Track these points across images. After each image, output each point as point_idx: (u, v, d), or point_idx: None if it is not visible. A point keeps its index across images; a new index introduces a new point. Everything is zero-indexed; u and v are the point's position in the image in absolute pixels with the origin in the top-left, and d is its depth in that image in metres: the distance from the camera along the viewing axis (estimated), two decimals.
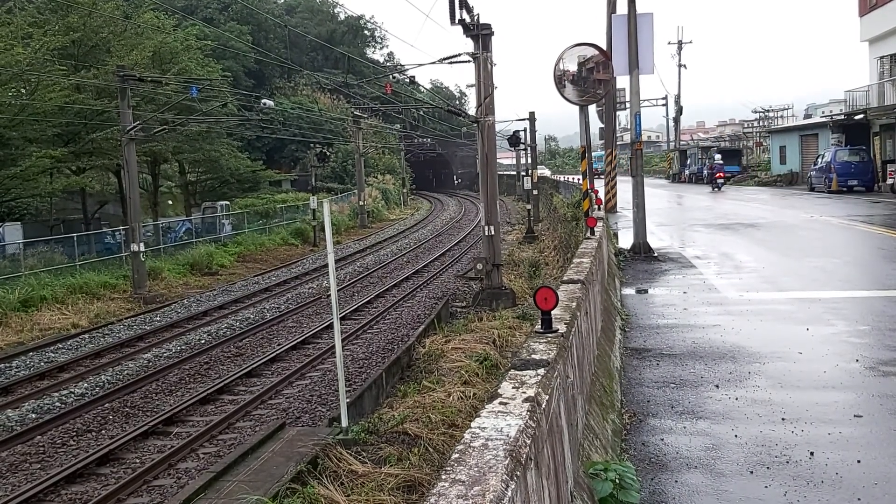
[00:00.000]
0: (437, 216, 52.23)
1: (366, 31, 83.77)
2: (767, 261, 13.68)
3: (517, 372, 3.66)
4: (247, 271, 27.44)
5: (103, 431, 10.92)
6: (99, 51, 28.23)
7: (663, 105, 62.46)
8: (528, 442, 2.82)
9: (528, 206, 34.74)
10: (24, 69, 22.80)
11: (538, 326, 4.62)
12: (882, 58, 33.08)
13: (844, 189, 30.63)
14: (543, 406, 3.28)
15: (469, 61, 17.69)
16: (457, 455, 2.60)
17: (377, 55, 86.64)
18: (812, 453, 5.04)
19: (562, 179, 43.98)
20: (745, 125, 71.25)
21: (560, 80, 14.02)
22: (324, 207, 8.76)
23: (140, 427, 10.61)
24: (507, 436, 2.76)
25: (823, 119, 41.50)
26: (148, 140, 25.76)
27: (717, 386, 6.64)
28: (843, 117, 36.22)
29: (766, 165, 50.39)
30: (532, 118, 43.54)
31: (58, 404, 12.18)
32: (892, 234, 16.24)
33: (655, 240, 16.86)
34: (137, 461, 9.64)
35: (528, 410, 3.06)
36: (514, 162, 61.24)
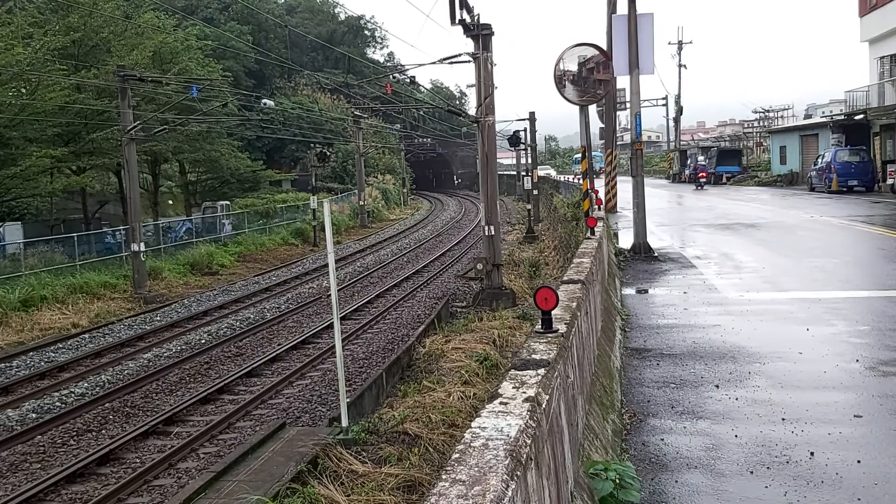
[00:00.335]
0: (438, 216, 52.24)
1: (366, 32, 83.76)
2: (768, 261, 13.68)
3: (517, 372, 3.67)
4: (247, 271, 27.45)
5: (103, 431, 10.93)
6: (99, 51, 28.25)
7: (663, 105, 62.49)
8: (529, 442, 2.82)
9: (529, 206, 34.75)
10: (25, 69, 22.81)
11: (538, 326, 4.62)
12: (882, 58, 33.07)
13: (844, 189, 30.62)
14: (544, 406, 3.28)
15: (469, 61, 17.69)
16: (457, 455, 2.60)
17: (377, 55, 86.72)
18: (812, 453, 5.04)
19: (562, 179, 44.04)
20: (746, 125, 71.28)
21: (560, 80, 14.03)
22: (324, 207, 8.77)
23: (140, 427, 10.61)
24: (508, 436, 2.76)
25: (824, 119, 41.50)
26: (148, 140, 25.77)
27: (718, 386, 6.65)
28: (843, 117, 36.22)
29: (767, 165, 50.38)
30: (532, 118, 43.54)
31: (58, 404, 12.18)
32: (893, 234, 16.24)
33: (655, 240, 16.86)
34: (138, 461, 9.64)
35: (528, 410, 3.07)
36: (515, 162, 61.30)
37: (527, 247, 28.30)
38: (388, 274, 24.82)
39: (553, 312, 4.62)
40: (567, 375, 4.27)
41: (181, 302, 20.93)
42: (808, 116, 61.58)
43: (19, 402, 12.25)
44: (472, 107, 34.38)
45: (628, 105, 19.79)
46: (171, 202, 42.98)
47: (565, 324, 4.75)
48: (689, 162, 54.19)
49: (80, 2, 25.75)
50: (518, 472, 2.54)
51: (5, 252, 23.06)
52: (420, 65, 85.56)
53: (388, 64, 78.35)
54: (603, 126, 30.60)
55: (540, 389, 3.38)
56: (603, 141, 33.40)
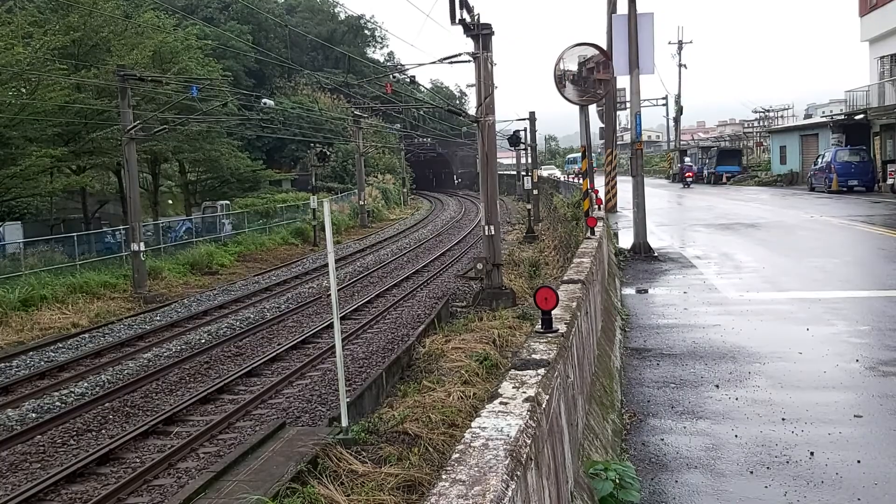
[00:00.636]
0: (438, 216, 52.24)
1: (366, 31, 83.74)
2: (768, 261, 13.68)
3: (517, 372, 3.67)
4: (247, 271, 27.45)
5: (103, 431, 10.93)
6: (99, 50, 28.24)
7: (663, 105, 62.44)
8: (529, 442, 2.82)
9: (529, 206, 34.76)
10: (25, 69, 22.80)
11: (538, 326, 4.62)
12: (882, 58, 33.07)
13: (844, 189, 30.62)
14: (544, 406, 3.28)
15: (469, 61, 17.69)
16: (457, 455, 2.60)
17: (377, 55, 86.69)
18: (812, 453, 5.04)
19: (562, 179, 44.12)
20: (746, 125, 71.26)
21: (560, 79, 14.01)
22: (324, 207, 8.76)
23: (140, 427, 10.61)
24: (508, 436, 2.76)
25: (824, 119, 41.51)
26: (148, 139, 25.77)
27: (718, 386, 6.65)
28: (843, 117, 36.22)
29: (767, 165, 50.39)
30: (532, 118, 43.54)
31: (58, 404, 12.18)
32: (893, 234, 16.24)
33: (655, 239, 16.86)
34: (137, 461, 9.64)
35: (528, 410, 3.06)
36: (515, 162, 61.29)
37: (527, 246, 28.31)
38: (388, 274, 24.82)
39: (553, 312, 4.62)
40: (567, 375, 4.27)
41: (181, 302, 20.93)
42: (808, 116, 61.59)
43: (19, 402, 12.25)
44: (472, 106, 34.39)
45: (628, 105, 19.79)
46: (170, 202, 42.97)
47: (565, 324, 4.75)
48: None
49: (80, 1, 25.74)
50: (518, 472, 2.54)
51: (5, 252, 23.06)
52: (420, 64, 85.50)
53: (388, 64, 78.36)
54: (603, 126, 30.61)
55: (540, 389, 3.38)
56: (603, 141, 33.41)
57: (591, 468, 4.19)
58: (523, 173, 45.26)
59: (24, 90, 25.08)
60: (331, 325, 13.61)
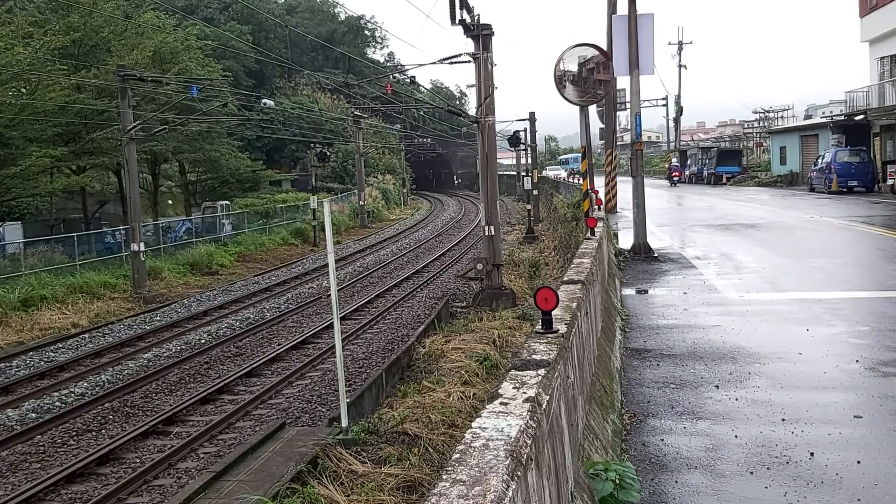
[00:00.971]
0: (438, 216, 52.24)
1: (366, 31, 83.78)
2: (767, 261, 13.68)
3: (518, 372, 3.67)
4: (247, 271, 27.45)
5: (103, 431, 10.92)
6: (99, 50, 28.24)
7: (663, 105, 62.46)
8: (529, 442, 2.82)
9: (529, 207, 34.76)
10: (25, 69, 22.81)
11: (538, 327, 4.62)
12: (882, 58, 33.08)
13: (845, 190, 30.62)
14: (544, 406, 3.28)
15: (469, 61, 17.69)
16: (458, 455, 2.60)
17: (377, 55, 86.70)
18: (812, 454, 5.04)
19: (564, 180, 44.22)
20: (746, 125, 71.26)
21: (560, 80, 14.02)
22: (324, 207, 8.76)
23: (140, 427, 10.61)
24: (508, 436, 2.76)
25: (824, 120, 41.51)
26: (148, 140, 25.77)
27: (718, 386, 6.65)
28: (843, 118, 36.22)
29: (767, 166, 50.40)
30: (532, 118, 43.56)
31: (58, 404, 12.18)
32: (893, 234, 16.24)
33: (655, 240, 16.86)
34: (137, 461, 9.63)
35: (528, 411, 3.07)
36: (515, 162, 61.29)
37: (527, 247, 28.31)
38: (388, 274, 24.82)
39: (553, 313, 4.62)
40: (567, 376, 4.27)
41: (181, 302, 20.92)
42: (808, 117, 61.58)
43: (19, 402, 12.24)
44: (472, 107, 34.41)
45: (628, 105, 19.79)
46: (170, 202, 42.98)
47: (565, 324, 4.75)
48: (689, 162, 54.30)
49: (81, 1, 25.75)
50: (518, 473, 2.54)
51: (5, 252, 23.05)
52: (420, 65, 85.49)
53: (389, 64, 78.35)
54: (603, 126, 30.61)
55: (540, 390, 3.38)
56: (603, 141, 33.41)
57: (591, 468, 4.19)
58: (523, 174, 45.29)
59: (24, 90, 25.08)
60: (331, 326, 13.61)
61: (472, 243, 31.52)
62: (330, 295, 9.14)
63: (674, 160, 55.23)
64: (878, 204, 24.77)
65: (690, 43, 79.50)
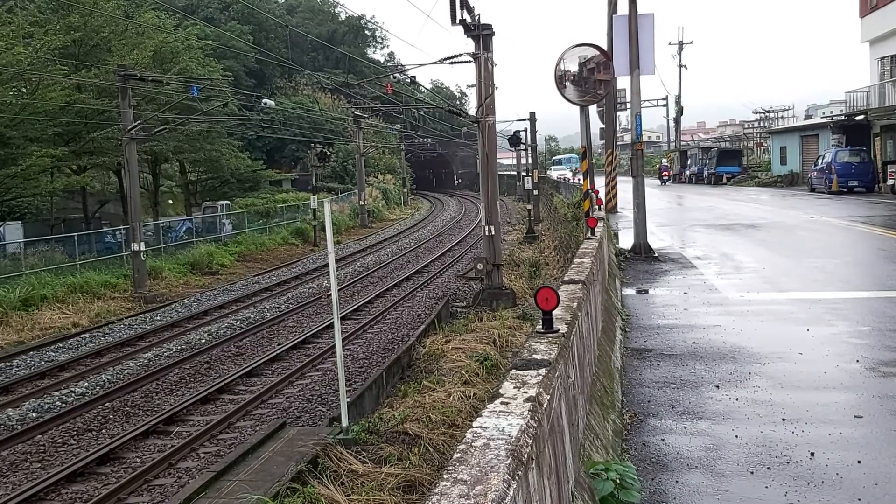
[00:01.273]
0: (438, 216, 52.23)
1: (366, 31, 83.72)
2: (768, 261, 13.69)
3: (518, 372, 3.67)
4: (247, 271, 27.45)
5: (104, 431, 10.93)
6: (100, 50, 28.25)
7: (664, 105, 62.43)
8: (530, 442, 2.82)
9: (529, 207, 34.76)
10: (25, 68, 22.82)
11: (539, 326, 4.63)
12: (883, 59, 33.07)
13: (845, 190, 30.62)
14: (545, 406, 3.28)
15: (470, 61, 17.69)
16: (458, 454, 2.60)
17: (378, 55, 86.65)
18: (812, 454, 5.04)
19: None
20: (746, 126, 71.24)
21: (561, 80, 14.02)
22: (324, 207, 8.77)
23: (140, 426, 10.61)
24: (509, 435, 2.76)
25: (824, 120, 41.50)
26: (149, 139, 25.76)
27: (718, 386, 6.65)
28: (843, 118, 36.21)
29: (767, 166, 50.39)
30: (532, 118, 43.57)
31: (58, 403, 12.18)
32: (893, 234, 16.24)
33: (656, 240, 16.87)
34: (138, 460, 9.64)
35: (529, 410, 3.07)
36: (515, 162, 61.30)
37: (527, 247, 28.31)
38: (389, 274, 24.82)
39: (554, 312, 4.62)
40: (568, 375, 4.28)
41: (181, 301, 20.93)
42: (808, 117, 61.55)
43: (20, 402, 12.25)
44: (472, 107, 34.40)
45: (629, 105, 19.78)
46: (171, 202, 42.98)
47: (566, 324, 4.75)
48: (689, 162, 54.32)
49: (81, 1, 25.75)
50: (519, 472, 2.54)
51: (6, 251, 23.06)
52: (420, 65, 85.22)
53: (389, 64, 78.32)
54: (603, 126, 30.61)
55: (541, 389, 3.38)
56: (603, 141, 33.42)
57: (591, 468, 4.19)
58: (524, 174, 45.32)
59: (24, 90, 25.10)
60: (331, 325, 13.61)
61: (472, 243, 31.52)
62: (330, 295, 9.14)
63: (664, 161, 57.39)
64: (879, 204, 24.76)
65: (691, 43, 79.49)
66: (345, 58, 59.72)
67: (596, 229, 11.22)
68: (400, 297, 19.96)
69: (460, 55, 17.68)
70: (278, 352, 14.58)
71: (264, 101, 35.36)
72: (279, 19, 59.88)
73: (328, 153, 43.77)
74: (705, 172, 49.24)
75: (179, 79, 27.38)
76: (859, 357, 7.25)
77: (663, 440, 5.50)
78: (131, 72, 22.24)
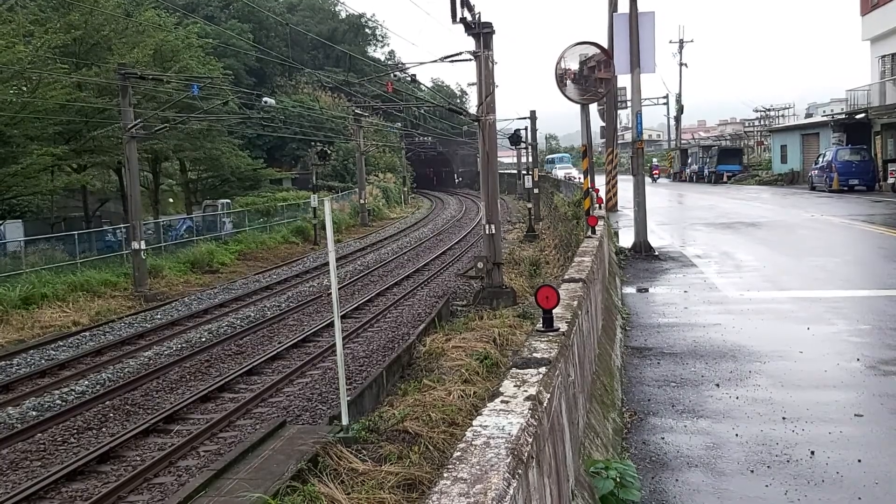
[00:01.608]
0: (438, 215, 52.22)
1: (367, 30, 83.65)
2: (768, 260, 13.68)
3: (519, 370, 3.67)
4: (247, 269, 27.45)
5: (104, 429, 10.93)
6: (100, 49, 28.25)
7: (664, 104, 62.40)
8: (530, 440, 2.82)
9: (529, 205, 34.76)
10: (26, 67, 22.82)
11: (539, 325, 4.62)
12: (883, 57, 33.04)
13: (845, 188, 30.60)
14: (545, 404, 3.28)
15: (470, 60, 17.68)
16: (459, 453, 2.60)
17: (378, 53, 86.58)
18: (813, 452, 5.04)
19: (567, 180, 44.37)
20: (747, 124, 71.25)
21: (561, 78, 14.00)
22: (325, 206, 8.77)
23: (141, 425, 10.61)
24: (509, 434, 2.76)
25: (825, 118, 41.48)
26: (149, 138, 25.77)
27: (718, 385, 6.64)
28: (844, 116, 36.19)
29: (767, 164, 50.38)
30: (533, 117, 43.55)
31: (59, 402, 12.19)
32: (894, 233, 16.23)
33: (656, 238, 16.86)
34: (138, 459, 9.64)
35: (529, 409, 3.07)
36: (515, 160, 61.27)
37: (527, 245, 28.31)
38: (389, 272, 24.82)
39: (554, 311, 4.61)
40: (568, 374, 4.27)
41: (182, 300, 20.94)
42: (809, 115, 61.54)
43: (20, 400, 12.26)
44: (472, 105, 34.40)
45: (629, 104, 19.75)
46: (171, 200, 42.97)
47: (566, 322, 4.75)
48: (689, 161, 54.29)
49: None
50: (520, 471, 2.54)
51: (6, 250, 23.07)
52: (421, 63, 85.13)
53: (389, 62, 78.28)
54: (604, 125, 30.57)
55: (541, 388, 3.38)
56: (604, 139, 33.38)
57: (591, 466, 4.19)
58: (524, 172, 45.31)
59: (25, 88, 25.09)
60: (331, 324, 13.62)
61: (472, 242, 31.52)
62: (330, 293, 9.14)
63: (655, 161, 59.75)
64: (879, 202, 24.75)
65: (691, 41, 79.61)
66: (345, 56, 59.68)
67: (596, 228, 11.21)
68: (400, 295, 19.97)
69: (461, 53, 17.68)
70: (279, 350, 14.58)
71: (265, 99, 35.39)
72: (279, 17, 59.79)
73: (328, 152, 43.71)
74: (706, 171, 49.22)
75: (180, 77, 27.39)
76: (860, 356, 7.24)
77: (663, 439, 5.50)
78: (132, 70, 22.23)
